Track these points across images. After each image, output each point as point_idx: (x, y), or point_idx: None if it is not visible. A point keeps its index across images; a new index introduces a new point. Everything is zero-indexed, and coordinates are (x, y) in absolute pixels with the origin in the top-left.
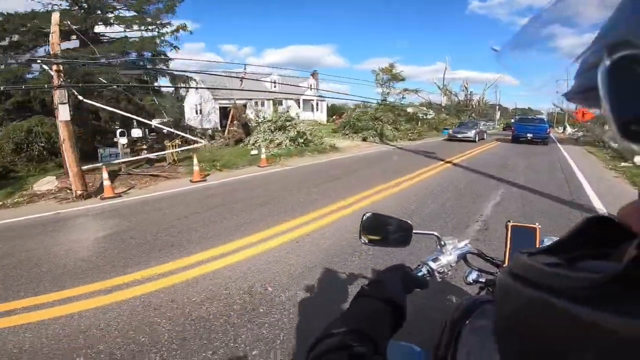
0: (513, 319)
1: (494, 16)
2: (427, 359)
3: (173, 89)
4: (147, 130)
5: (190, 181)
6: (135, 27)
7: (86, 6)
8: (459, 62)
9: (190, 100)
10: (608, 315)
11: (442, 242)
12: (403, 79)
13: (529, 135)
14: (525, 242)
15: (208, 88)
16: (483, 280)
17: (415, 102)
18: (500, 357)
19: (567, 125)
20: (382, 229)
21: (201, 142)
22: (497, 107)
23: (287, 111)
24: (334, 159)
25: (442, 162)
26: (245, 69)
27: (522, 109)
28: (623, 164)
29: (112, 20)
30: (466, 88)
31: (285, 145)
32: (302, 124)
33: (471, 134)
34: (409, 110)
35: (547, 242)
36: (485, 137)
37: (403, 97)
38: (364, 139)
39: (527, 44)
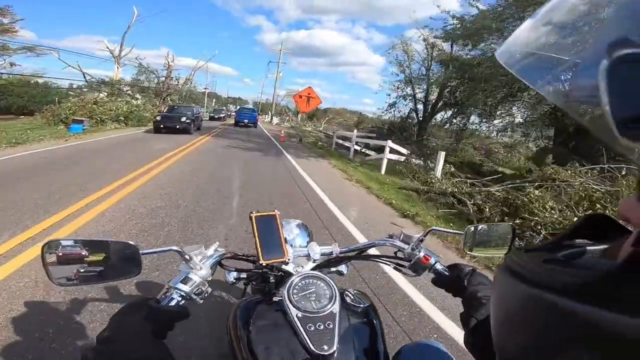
0: (510, 316)
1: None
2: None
3: None
4: None
5: None
6: None
7: None
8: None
9: None
10: (604, 313)
11: (187, 256)
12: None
13: (245, 121)
14: (269, 229)
15: None
16: (245, 276)
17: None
18: (497, 353)
19: (272, 115)
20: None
21: None
22: (206, 92)
23: None
24: None
25: None
26: None
27: (234, 98)
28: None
29: None
30: (168, 62)
31: None
32: None
33: None
34: None
35: (285, 225)
36: None
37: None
38: None
39: (526, 44)
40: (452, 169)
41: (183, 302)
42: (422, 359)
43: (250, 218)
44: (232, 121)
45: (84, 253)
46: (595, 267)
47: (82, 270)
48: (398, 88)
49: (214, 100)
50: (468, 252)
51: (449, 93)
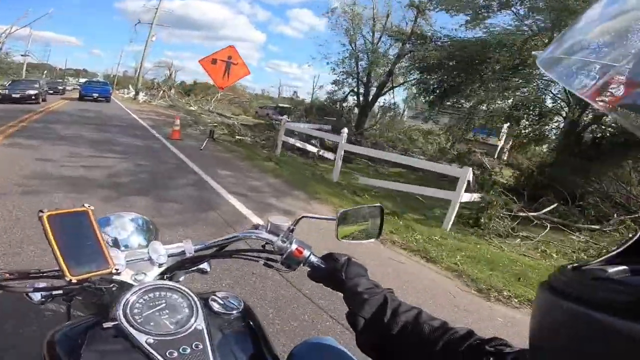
0: (555, 333)
1: None
2: None
3: None
4: None
5: None
6: None
7: None
8: None
9: None
10: None
11: None
12: None
13: (95, 95)
14: (78, 232)
15: None
16: (60, 292)
17: None
18: None
19: (138, 90)
20: None
21: None
22: (25, 61)
23: None
24: None
25: None
26: None
27: (77, 70)
28: None
29: None
30: None
31: None
32: None
33: None
34: None
35: (115, 220)
36: None
37: None
38: None
39: (570, 50)
40: None
41: None
42: (315, 357)
43: (40, 219)
44: (62, 102)
45: None
46: None
47: None
48: (343, 62)
49: (44, 72)
50: (339, 239)
51: (425, 75)
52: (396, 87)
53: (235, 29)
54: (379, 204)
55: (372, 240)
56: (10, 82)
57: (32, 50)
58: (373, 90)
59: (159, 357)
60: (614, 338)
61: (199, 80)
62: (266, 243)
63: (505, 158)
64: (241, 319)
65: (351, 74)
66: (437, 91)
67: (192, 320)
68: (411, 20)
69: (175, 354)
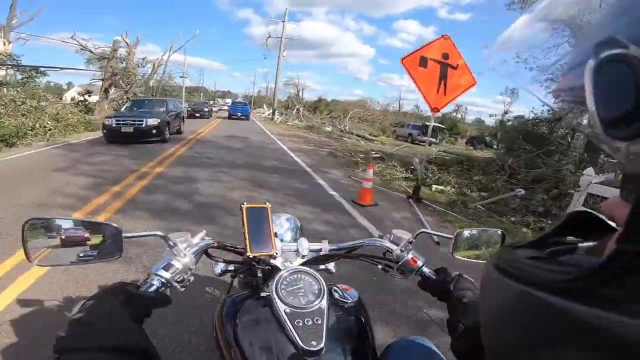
0: (498, 312)
1: None
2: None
3: None
4: None
5: None
6: None
7: None
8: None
9: None
10: (588, 310)
11: (171, 243)
12: None
13: (239, 114)
14: (259, 222)
15: None
16: (232, 268)
17: None
18: (485, 349)
19: (274, 109)
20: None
21: None
22: (184, 83)
23: None
24: None
25: None
26: None
27: (223, 92)
28: None
29: None
30: (120, 40)
31: None
32: None
33: None
34: None
35: (276, 219)
36: None
37: None
38: None
39: (516, 43)
40: None
41: (163, 288)
42: (411, 356)
43: (241, 209)
44: (213, 124)
45: (86, 235)
46: (580, 265)
47: (81, 255)
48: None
49: (201, 94)
50: (455, 256)
51: None
52: None
53: (343, 46)
54: (500, 230)
55: None
56: (129, 102)
57: (187, 73)
58: None
59: (289, 324)
60: (551, 316)
61: (323, 97)
62: (387, 251)
63: None
64: (354, 309)
65: None
66: None
67: (318, 300)
68: None
69: (301, 324)
